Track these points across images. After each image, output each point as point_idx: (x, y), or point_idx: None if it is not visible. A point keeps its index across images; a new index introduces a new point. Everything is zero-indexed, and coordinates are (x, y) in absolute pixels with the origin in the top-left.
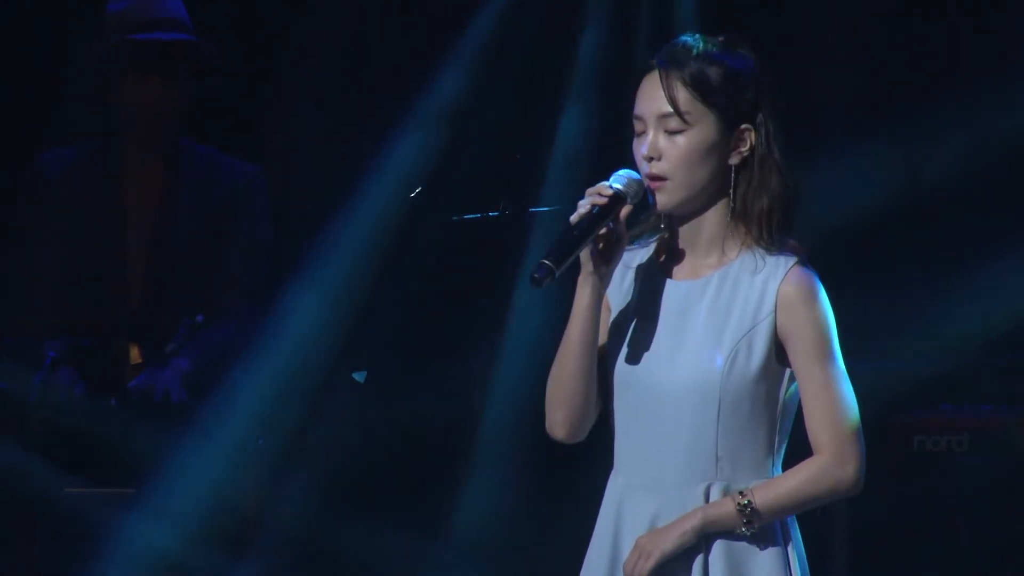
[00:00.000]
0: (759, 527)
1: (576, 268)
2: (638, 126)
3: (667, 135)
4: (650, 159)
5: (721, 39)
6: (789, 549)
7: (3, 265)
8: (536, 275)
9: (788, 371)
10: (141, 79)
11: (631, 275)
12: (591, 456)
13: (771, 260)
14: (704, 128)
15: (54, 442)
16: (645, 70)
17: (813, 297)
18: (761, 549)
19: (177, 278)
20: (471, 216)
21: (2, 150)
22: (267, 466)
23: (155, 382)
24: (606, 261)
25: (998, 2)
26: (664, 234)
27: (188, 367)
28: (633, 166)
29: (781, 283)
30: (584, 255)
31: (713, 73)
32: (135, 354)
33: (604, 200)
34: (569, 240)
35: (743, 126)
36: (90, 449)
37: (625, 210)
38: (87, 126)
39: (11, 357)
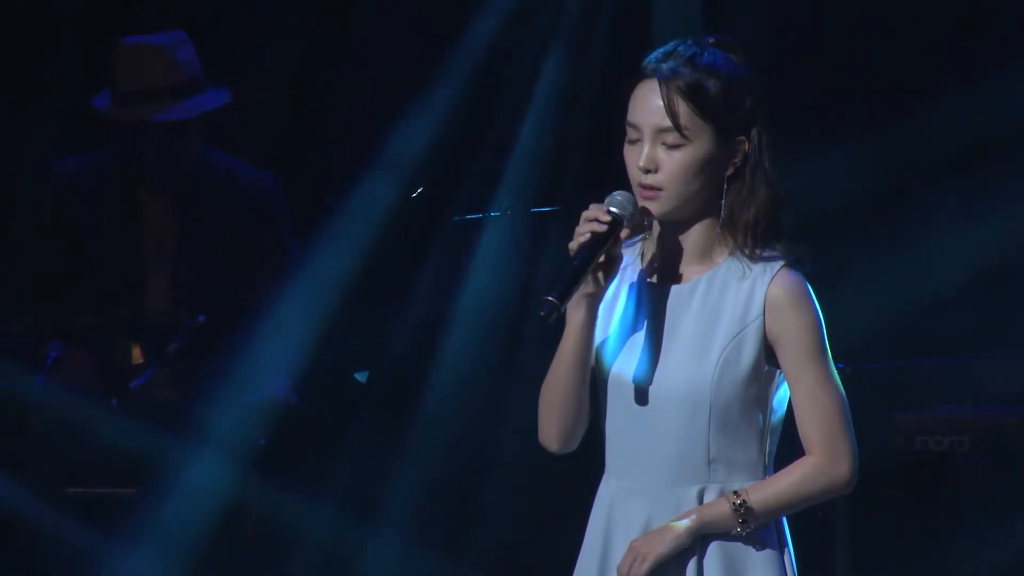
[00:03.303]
0: (754, 528)
1: None
2: (632, 134)
3: (664, 148)
4: (646, 171)
5: (712, 41)
6: (784, 552)
7: (10, 267)
8: (542, 313)
9: (778, 373)
10: (156, 139)
11: (617, 278)
12: (583, 458)
13: (758, 265)
14: (702, 142)
15: (55, 442)
16: (639, 76)
17: (801, 298)
18: (757, 550)
19: (201, 287)
20: (472, 216)
21: (15, 156)
22: (268, 466)
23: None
24: (602, 282)
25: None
26: (650, 236)
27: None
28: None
29: (769, 286)
30: None
31: (712, 86)
32: (137, 354)
33: (603, 228)
34: (571, 273)
35: (738, 138)
36: (91, 449)
37: (623, 234)
38: (103, 133)
39: (12, 357)
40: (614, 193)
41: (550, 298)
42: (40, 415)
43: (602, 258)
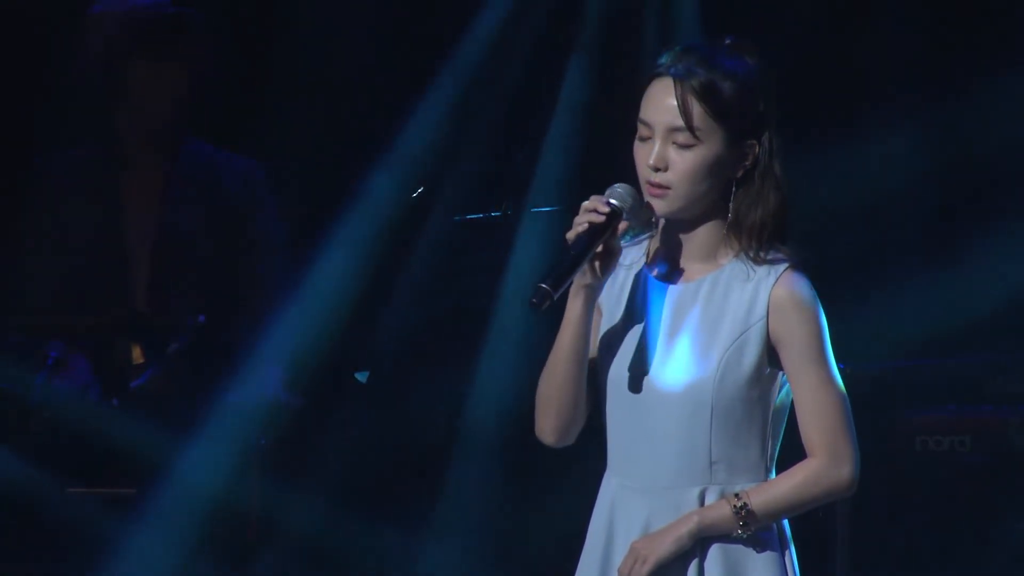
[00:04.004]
0: (755, 530)
1: None
2: (644, 131)
3: (675, 147)
4: (656, 169)
5: (728, 42)
6: (786, 554)
7: (4, 266)
8: (534, 300)
9: (780, 374)
10: (153, 63)
11: (622, 274)
12: (585, 455)
13: (762, 267)
14: (713, 144)
15: (56, 442)
16: (655, 74)
17: (805, 300)
18: (758, 552)
19: (184, 276)
20: (473, 216)
21: (3, 152)
22: (268, 466)
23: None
24: (600, 274)
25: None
26: (655, 234)
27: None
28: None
29: (773, 287)
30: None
31: (727, 88)
32: (137, 354)
33: (601, 218)
34: (566, 262)
35: (749, 141)
36: (92, 450)
37: (622, 226)
38: (86, 130)
39: (12, 357)
40: (615, 185)
41: (544, 285)
42: (40, 415)
43: (600, 248)
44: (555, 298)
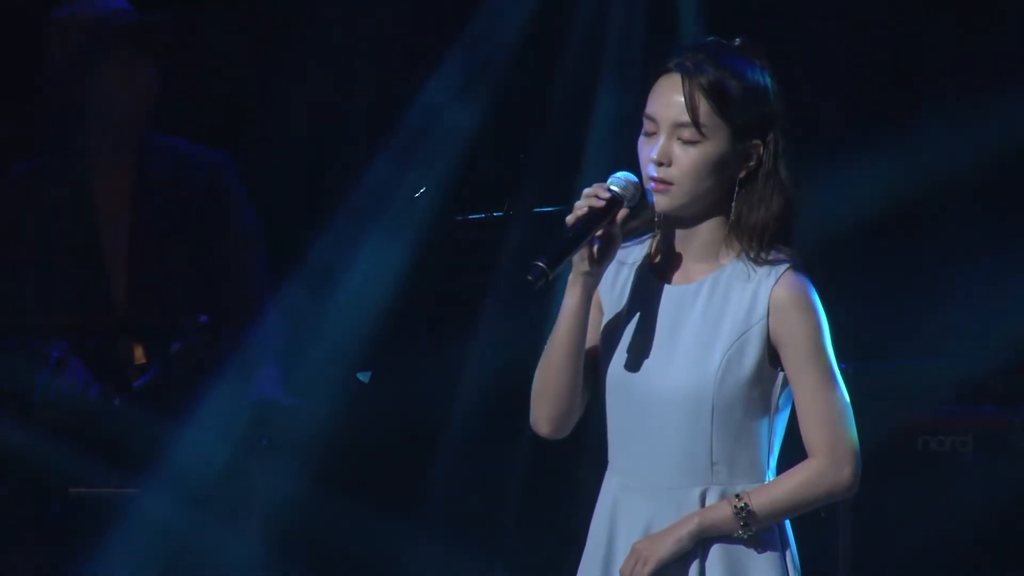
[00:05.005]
0: (756, 531)
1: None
2: (649, 126)
3: (680, 143)
4: (660, 164)
5: (738, 43)
6: (787, 554)
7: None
8: (530, 277)
9: (781, 374)
10: (126, 65)
11: (625, 273)
12: (587, 452)
13: (763, 267)
14: (718, 141)
15: (57, 442)
16: (663, 70)
17: (805, 301)
18: (759, 552)
19: (162, 274)
20: (475, 216)
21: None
22: (269, 460)
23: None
24: (598, 262)
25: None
26: (658, 234)
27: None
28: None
29: (774, 287)
30: (576, 255)
31: (734, 87)
32: (139, 354)
33: (601, 203)
34: (564, 243)
35: (754, 141)
36: (93, 449)
37: (622, 213)
38: (56, 133)
39: (12, 357)
40: (616, 173)
41: (540, 264)
42: (41, 415)
43: (599, 232)
44: (551, 277)
